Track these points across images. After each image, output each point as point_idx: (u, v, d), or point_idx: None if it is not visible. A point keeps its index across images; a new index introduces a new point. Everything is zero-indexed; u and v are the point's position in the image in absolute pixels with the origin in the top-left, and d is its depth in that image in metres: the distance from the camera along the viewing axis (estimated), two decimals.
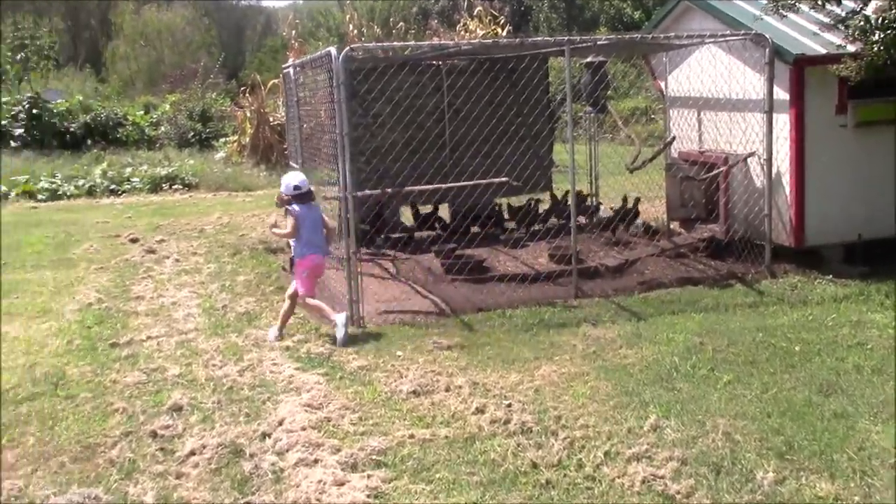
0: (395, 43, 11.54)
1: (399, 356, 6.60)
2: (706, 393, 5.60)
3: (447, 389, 5.78)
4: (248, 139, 22.46)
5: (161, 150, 24.88)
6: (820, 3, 7.88)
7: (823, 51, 8.35)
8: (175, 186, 19.29)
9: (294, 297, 7.32)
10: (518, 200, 11.50)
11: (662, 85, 10.82)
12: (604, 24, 41.51)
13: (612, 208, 11.25)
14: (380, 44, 8.61)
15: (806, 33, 8.73)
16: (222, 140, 25.72)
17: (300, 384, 6.01)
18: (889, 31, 7.50)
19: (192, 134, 26.81)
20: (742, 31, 8.61)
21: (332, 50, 7.50)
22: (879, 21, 7.60)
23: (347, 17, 25.37)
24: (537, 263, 9.61)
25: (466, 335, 7.13)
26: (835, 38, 8.51)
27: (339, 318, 7.03)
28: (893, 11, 7.55)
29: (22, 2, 52.82)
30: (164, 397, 5.87)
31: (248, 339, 7.24)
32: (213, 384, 6.14)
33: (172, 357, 6.82)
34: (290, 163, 10.87)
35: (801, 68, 8.38)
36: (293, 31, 24.70)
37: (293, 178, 7.37)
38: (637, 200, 11.18)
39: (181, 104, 28.80)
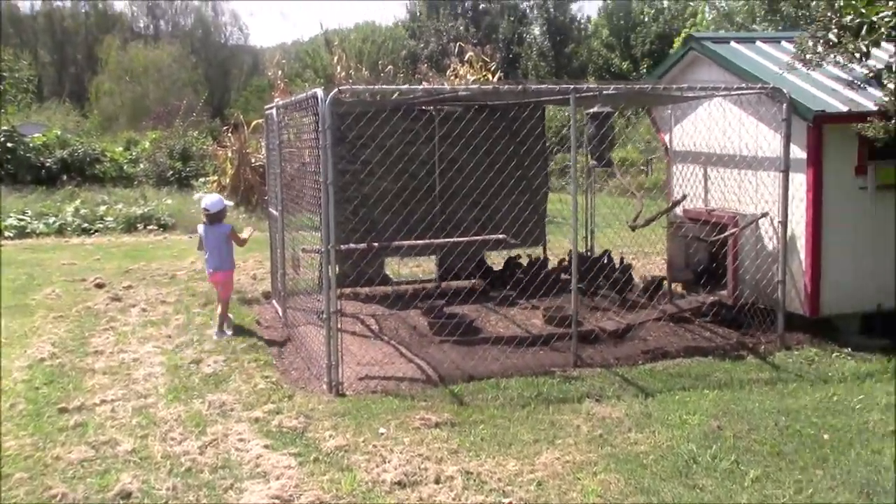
0: (386, 86, 10.96)
1: (381, 434, 5.86)
2: (733, 492, 4.89)
3: (437, 481, 5.03)
4: (228, 180, 21.74)
5: (138, 189, 24.14)
6: (858, 56, 7.31)
7: (845, 108, 7.79)
8: (150, 227, 18.54)
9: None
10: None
11: (666, 138, 10.27)
12: (591, 73, 41.54)
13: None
14: (370, 86, 7.97)
15: (824, 89, 8.20)
16: (202, 180, 25.01)
17: (269, 467, 5.26)
18: None
19: (171, 172, 26.10)
20: (759, 85, 8.06)
21: (319, 92, 6.84)
22: None
23: (335, 58, 24.82)
24: (531, 325, 8.94)
25: (456, 409, 6.40)
26: (855, 96, 8.01)
27: (217, 334, 8.72)
28: None
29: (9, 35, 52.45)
30: (111, 479, 5.11)
31: (212, 406, 6.48)
32: (169, 463, 5.38)
33: (127, 427, 6.05)
34: (269, 208, 10.19)
35: (820, 126, 7.83)
36: (279, 72, 24.12)
37: (204, 200, 8.86)
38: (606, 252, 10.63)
39: (161, 142, 28.13)
